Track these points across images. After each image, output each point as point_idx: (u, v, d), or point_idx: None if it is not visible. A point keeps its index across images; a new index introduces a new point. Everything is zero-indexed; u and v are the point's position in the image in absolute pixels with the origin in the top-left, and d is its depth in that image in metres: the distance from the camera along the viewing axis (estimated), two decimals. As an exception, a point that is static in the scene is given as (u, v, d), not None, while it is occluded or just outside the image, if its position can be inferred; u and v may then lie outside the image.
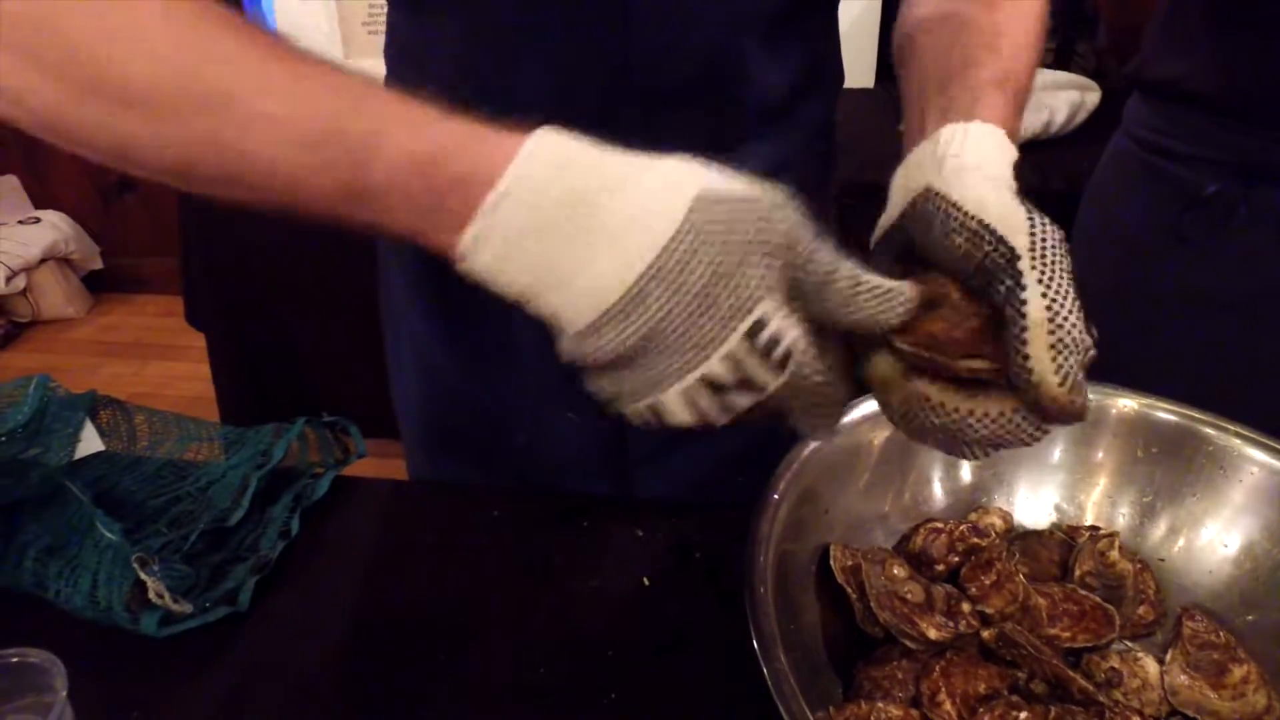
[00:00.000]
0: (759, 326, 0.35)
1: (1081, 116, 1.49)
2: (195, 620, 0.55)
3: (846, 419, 0.56)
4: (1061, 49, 1.73)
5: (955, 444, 0.40)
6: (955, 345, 0.39)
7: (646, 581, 0.59)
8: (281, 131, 0.37)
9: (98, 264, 2.75)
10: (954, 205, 0.39)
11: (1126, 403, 0.59)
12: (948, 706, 0.46)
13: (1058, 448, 0.60)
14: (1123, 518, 0.59)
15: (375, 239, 0.73)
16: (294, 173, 0.37)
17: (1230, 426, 0.56)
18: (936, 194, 0.40)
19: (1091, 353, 0.37)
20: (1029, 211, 0.38)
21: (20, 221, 2.59)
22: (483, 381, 0.71)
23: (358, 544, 0.64)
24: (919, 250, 0.42)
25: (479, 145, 0.37)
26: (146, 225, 2.70)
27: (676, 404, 0.37)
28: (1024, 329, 0.36)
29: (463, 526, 0.64)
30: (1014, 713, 0.46)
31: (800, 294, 0.37)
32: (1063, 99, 1.47)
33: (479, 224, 0.36)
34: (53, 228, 2.60)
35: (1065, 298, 0.37)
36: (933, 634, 0.48)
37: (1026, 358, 0.36)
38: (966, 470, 0.61)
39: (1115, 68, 1.66)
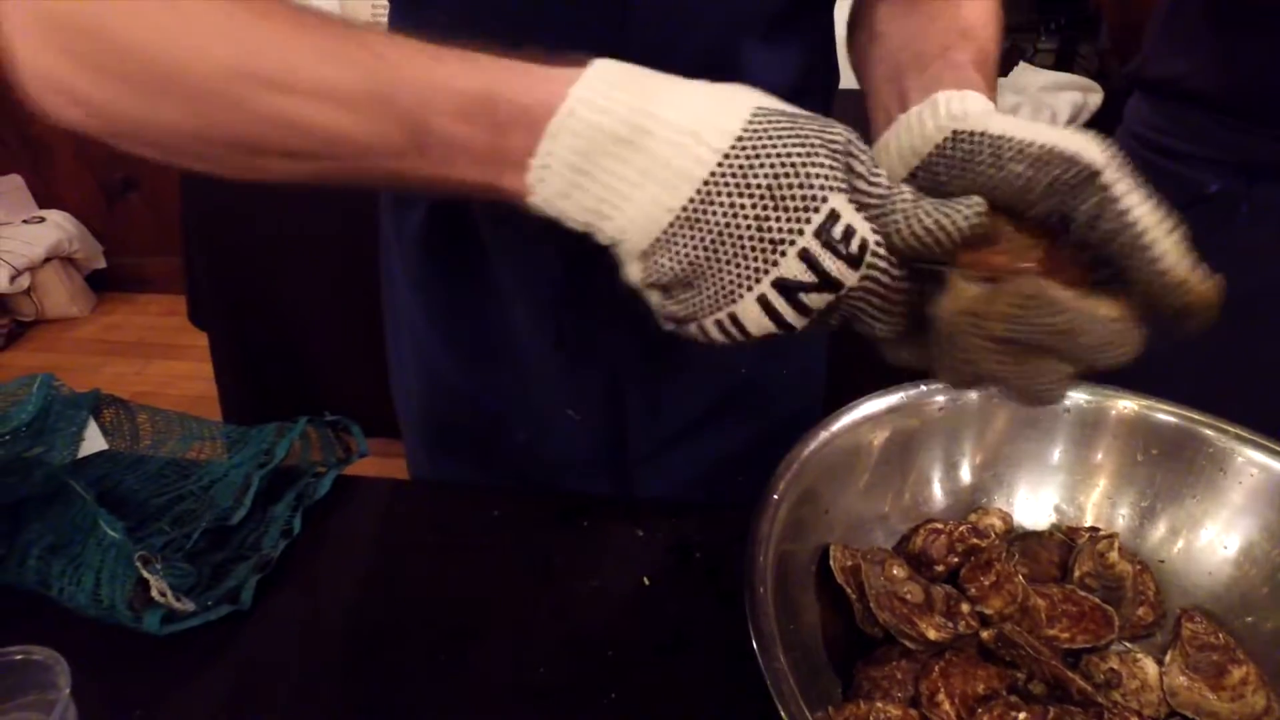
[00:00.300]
0: (832, 219, 0.34)
1: (1084, 118, 1.49)
2: (197, 619, 0.55)
3: (845, 419, 0.56)
4: (1064, 50, 1.73)
5: (1044, 368, 0.37)
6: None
7: (646, 581, 0.59)
8: (337, 96, 0.37)
9: (101, 263, 2.76)
10: (1002, 138, 0.38)
11: (1126, 404, 0.59)
12: (946, 707, 0.46)
13: (1057, 448, 0.60)
14: (1122, 519, 0.59)
15: (385, 239, 0.73)
16: (354, 137, 0.38)
17: (1230, 428, 0.56)
18: (973, 133, 0.39)
19: None
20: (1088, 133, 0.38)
21: (24, 221, 2.60)
22: (483, 381, 0.71)
23: (359, 543, 0.64)
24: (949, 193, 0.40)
25: (533, 76, 0.37)
26: (150, 225, 2.70)
27: (754, 311, 0.36)
28: (1141, 234, 0.35)
29: (463, 526, 0.64)
30: (1013, 713, 0.46)
31: (862, 207, 0.36)
32: (1065, 100, 1.47)
33: (544, 150, 0.36)
34: (56, 227, 2.60)
35: (1157, 200, 0.36)
36: (932, 634, 0.49)
37: (1155, 260, 0.35)
38: (966, 471, 0.61)
39: (1117, 69, 1.66)
